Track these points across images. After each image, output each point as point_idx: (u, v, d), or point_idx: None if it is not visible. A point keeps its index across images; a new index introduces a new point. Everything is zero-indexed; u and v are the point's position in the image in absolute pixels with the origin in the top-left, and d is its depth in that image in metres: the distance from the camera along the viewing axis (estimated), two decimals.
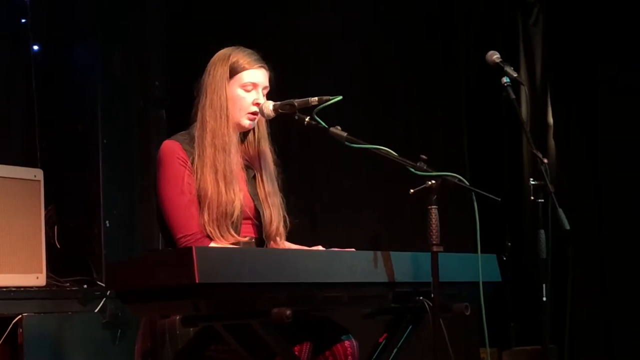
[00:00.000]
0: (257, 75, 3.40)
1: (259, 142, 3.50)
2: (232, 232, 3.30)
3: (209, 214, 3.28)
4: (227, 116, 3.36)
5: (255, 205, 3.42)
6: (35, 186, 4.65)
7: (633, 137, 5.22)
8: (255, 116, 3.40)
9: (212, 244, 3.24)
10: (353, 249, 3.12)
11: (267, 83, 3.43)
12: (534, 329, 4.93)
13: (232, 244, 3.26)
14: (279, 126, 3.55)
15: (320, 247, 3.27)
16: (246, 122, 3.40)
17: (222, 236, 3.28)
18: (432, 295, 2.97)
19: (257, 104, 3.38)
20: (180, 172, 3.30)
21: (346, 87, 5.00)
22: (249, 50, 3.44)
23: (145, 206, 5.19)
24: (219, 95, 3.37)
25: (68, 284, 4.90)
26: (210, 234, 3.27)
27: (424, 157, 3.04)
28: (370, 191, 5.46)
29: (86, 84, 5.29)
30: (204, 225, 3.27)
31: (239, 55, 3.41)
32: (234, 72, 3.38)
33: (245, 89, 3.39)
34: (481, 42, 5.79)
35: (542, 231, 3.43)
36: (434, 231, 2.97)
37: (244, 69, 3.39)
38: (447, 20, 5.66)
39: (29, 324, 4.40)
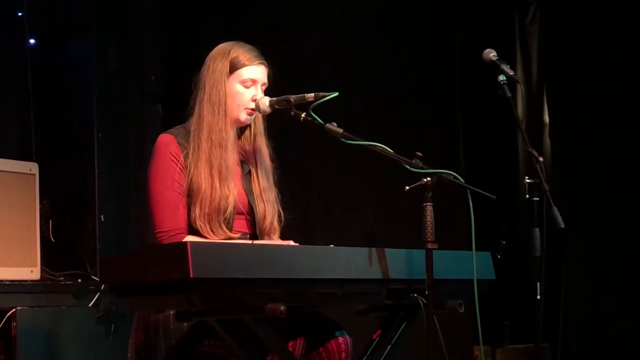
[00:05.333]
0: (256, 72, 3.41)
1: (255, 137, 3.50)
2: (224, 228, 3.30)
3: (200, 209, 3.28)
4: (225, 111, 3.36)
5: (249, 201, 3.42)
6: (30, 180, 4.65)
7: (628, 136, 5.23)
8: (253, 112, 3.40)
9: (189, 239, 3.23)
10: (332, 245, 3.11)
11: (265, 79, 3.44)
12: (528, 327, 4.93)
13: (224, 239, 3.26)
14: (274, 122, 3.55)
15: (291, 242, 3.27)
16: (244, 117, 3.40)
17: (212, 231, 3.28)
18: (426, 293, 2.97)
19: (255, 100, 3.38)
20: (169, 168, 3.30)
21: (342, 83, 5.00)
22: (249, 46, 3.44)
23: (140, 201, 5.19)
24: (217, 90, 3.37)
25: (62, 278, 4.90)
26: (200, 229, 3.27)
27: (419, 154, 3.04)
28: (365, 188, 5.46)
29: (82, 78, 5.28)
30: (195, 220, 3.28)
31: (239, 51, 3.40)
32: (234, 67, 3.38)
33: (244, 85, 3.39)
34: (477, 40, 5.79)
35: (537, 229, 3.42)
36: (428, 228, 2.98)
37: (244, 65, 3.39)
38: (444, 18, 5.65)
39: (22, 317, 4.40)
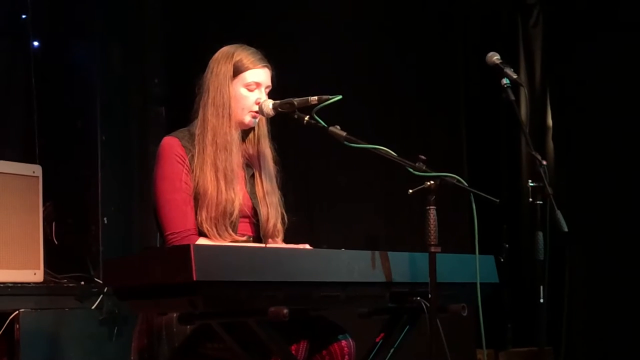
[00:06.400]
0: (260, 75, 3.40)
1: (258, 140, 3.50)
2: (230, 231, 3.30)
3: (207, 212, 3.28)
4: (229, 114, 3.36)
5: (253, 204, 3.42)
6: (34, 182, 4.65)
7: (632, 139, 5.22)
8: (257, 115, 3.40)
9: (201, 241, 3.24)
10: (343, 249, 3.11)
11: (269, 82, 3.44)
12: (531, 330, 4.93)
13: (230, 243, 3.26)
14: (277, 124, 3.55)
15: (307, 246, 3.26)
16: (248, 120, 3.40)
17: (219, 235, 3.28)
18: (430, 296, 2.97)
19: (259, 104, 3.38)
20: (176, 170, 3.30)
21: (346, 86, 5.00)
22: (253, 49, 3.44)
23: (143, 203, 5.20)
24: (221, 93, 3.36)
25: (65, 281, 4.90)
26: (207, 232, 3.27)
27: (422, 157, 3.04)
28: (369, 191, 5.46)
29: (86, 80, 5.29)
30: (202, 223, 3.27)
31: (243, 54, 3.40)
32: (237, 71, 3.38)
33: (248, 88, 3.39)
34: (481, 43, 5.80)
35: (540, 233, 3.42)
36: (432, 232, 2.97)
37: (247, 69, 3.39)
38: (447, 21, 5.66)
39: (26, 319, 4.40)
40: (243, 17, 5.50)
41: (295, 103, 3.25)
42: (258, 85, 3.40)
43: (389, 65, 5.56)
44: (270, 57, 3.47)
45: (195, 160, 3.32)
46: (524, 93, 4.47)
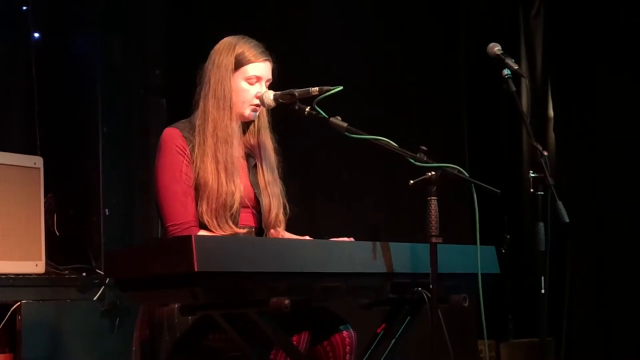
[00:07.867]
0: (261, 69, 3.40)
1: (259, 131, 3.50)
2: (230, 224, 3.30)
3: (207, 204, 3.28)
4: (230, 107, 3.36)
5: (255, 194, 3.42)
6: (35, 174, 4.65)
7: (633, 130, 5.22)
8: (258, 108, 3.40)
9: (202, 233, 3.24)
10: (352, 239, 3.12)
11: (270, 76, 3.43)
12: (532, 321, 4.93)
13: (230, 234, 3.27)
14: (279, 115, 3.55)
15: (307, 237, 3.27)
16: (248, 113, 3.40)
17: (219, 226, 3.28)
18: (431, 287, 2.97)
19: (260, 97, 3.38)
20: (177, 161, 3.30)
21: (347, 77, 4.99)
22: (255, 42, 3.43)
23: (144, 195, 5.20)
24: (222, 85, 3.36)
25: (67, 272, 4.90)
26: (207, 224, 3.27)
27: (423, 148, 3.04)
28: (370, 182, 5.46)
29: (86, 72, 5.28)
30: (202, 215, 3.28)
31: (244, 47, 3.39)
32: (239, 64, 3.37)
33: (249, 81, 3.38)
34: (482, 34, 5.79)
35: (541, 224, 3.42)
36: (433, 222, 2.97)
37: (249, 62, 3.38)
38: (449, 11, 5.65)
39: (27, 311, 4.40)
40: (244, 9, 5.49)
41: (296, 94, 3.25)
42: (259, 78, 3.39)
43: (390, 55, 5.55)
44: (270, 48, 3.46)
45: (196, 152, 3.32)
46: (525, 84, 4.47)
